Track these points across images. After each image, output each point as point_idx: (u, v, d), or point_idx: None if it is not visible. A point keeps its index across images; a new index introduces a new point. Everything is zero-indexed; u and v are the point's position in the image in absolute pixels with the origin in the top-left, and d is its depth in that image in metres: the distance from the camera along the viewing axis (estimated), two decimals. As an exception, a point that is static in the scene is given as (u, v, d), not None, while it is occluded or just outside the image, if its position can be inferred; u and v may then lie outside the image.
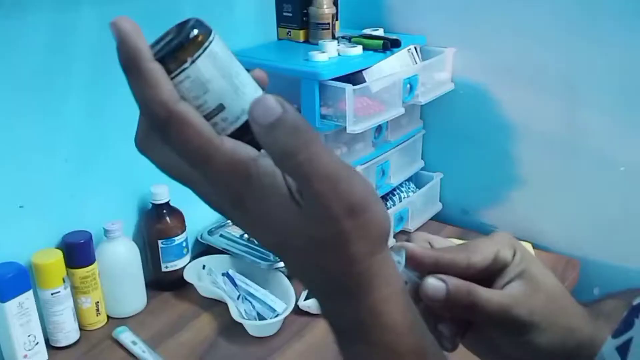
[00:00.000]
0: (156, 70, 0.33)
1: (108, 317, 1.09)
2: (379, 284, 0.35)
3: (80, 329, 1.05)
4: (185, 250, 1.18)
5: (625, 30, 1.13)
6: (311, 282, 0.37)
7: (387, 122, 1.26)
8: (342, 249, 0.34)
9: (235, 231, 1.28)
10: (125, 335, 1.04)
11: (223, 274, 1.16)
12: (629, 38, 1.13)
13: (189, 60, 0.35)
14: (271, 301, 1.08)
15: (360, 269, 0.35)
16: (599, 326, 0.47)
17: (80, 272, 1.03)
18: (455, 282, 0.44)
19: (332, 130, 1.17)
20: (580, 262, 1.27)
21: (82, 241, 1.02)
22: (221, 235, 1.27)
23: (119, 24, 0.33)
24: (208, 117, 0.36)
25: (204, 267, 1.19)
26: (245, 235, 1.25)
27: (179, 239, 1.16)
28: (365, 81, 1.18)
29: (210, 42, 0.35)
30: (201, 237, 1.27)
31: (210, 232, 1.28)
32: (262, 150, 0.35)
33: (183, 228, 1.17)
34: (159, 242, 1.15)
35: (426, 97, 1.27)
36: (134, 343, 1.02)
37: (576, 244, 1.29)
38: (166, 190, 1.14)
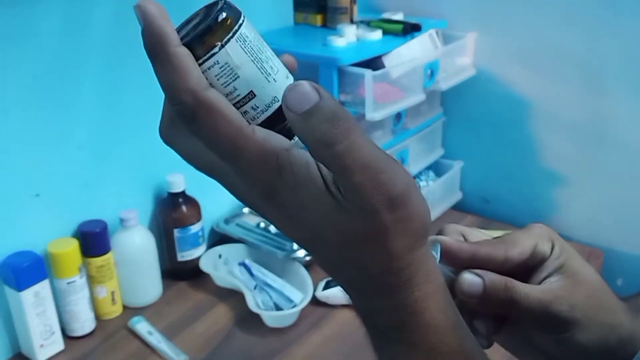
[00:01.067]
0: (184, 55, 0.31)
1: (124, 306, 1.08)
2: (420, 281, 0.33)
3: (96, 319, 1.04)
4: (201, 240, 1.17)
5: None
6: (346, 279, 0.35)
7: (406, 109, 1.23)
8: (382, 244, 0.32)
9: (251, 220, 1.26)
10: (141, 326, 1.03)
11: (239, 264, 1.14)
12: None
13: (218, 44, 0.32)
14: (288, 291, 1.06)
15: (400, 265, 0.33)
16: (639, 322, 0.45)
17: (96, 261, 1.01)
18: (492, 277, 0.42)
19: (351, 118, 1.14)
20: (603, 252, 1.24)
21: (98, 230, 1.01)
22: (237, 225, 1.26)
23: (143, 6, 0.31)
24: (238, 105, 0.33)
25: (220, 256, 1.18)
26: (262, 224, 1.24)
27: (194, 228, 1.15)
28: (384, 67, 1.15)
29: (240, 26, 0.33)
30: (217, 226, 1.25)
31: (226, 221, 1.27)
32: (295, 140, 0.33)
33: (199, 217, 1.16)
34: (175, 231, 1.13)
35: (447, 83, 1.24)
36: (150, 333, 1.01)
37: (599, 234, 1.26)
38: (182, 178, 1.12)
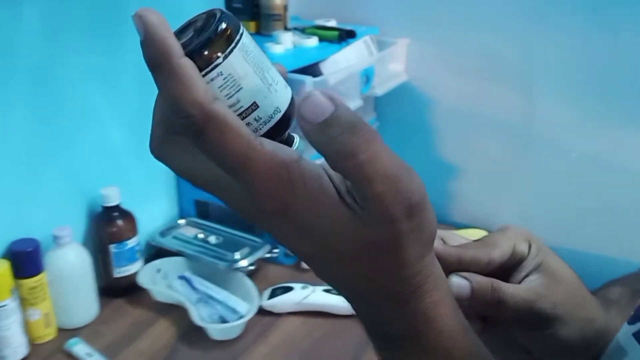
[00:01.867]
0: (189, 67, 0.30)
1: (58, 328, 1.03)
2: (430, 287, 0.33)
3: (29, 343, 0.98)
4: (138, 254, 1.13)
5: (580, 19, 1.14)
6: (354, 291, 0.34)
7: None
8: (396, 252, 0.32)
9: (188, 232, 1.23)
10: (79, 348, 0.98)
11: (179, 277, 1.11)
12: (584, 27, 1.14)
13: (221, 55, 0.31)
14: (233, 303, 1.05)
15: (411, 272, 0.33)
16: (611, 314, 0.47)
17: (28, 282, 0.96)
18: (479, 279, 0.43)
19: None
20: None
21: (30, 249, 0.96)
22: (174, 237, 1.23)
23: (144, 16, 0.29)
24: (241, 117, 0.32)
25: (158, 270, 1.14)
26: (201, 235, 1.21)
27: (131, 243, 1.11)
28: (322, 73, 1.15)
29: (241, 35, 0.32)
30: (153, 240, 1.22)
31: (162, 234, 1.23)
32: (298, 149, 0.33)
33: (135, 231, 1.12)
34: (111, 246, 1.09)
35: (382, 88, 1.26)
36: (89, 355, 0.96)
37: (531, 231, 1.30)
38: (117, 192, 1.08)
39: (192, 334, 1.02)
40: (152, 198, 1.26)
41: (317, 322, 1.05)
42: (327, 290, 1.07)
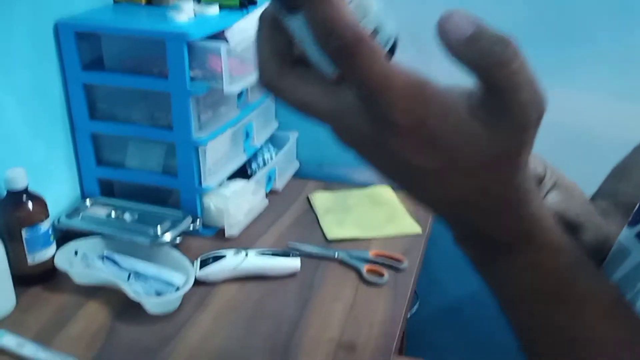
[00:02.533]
0: None
1: (-25, 324, 0.95)
2: (535, 190, 0.37)
3: (-53, 343, 0.89)
4: (52, 238, 1.06)
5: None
6: (466, 205, 0.36)
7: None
8: (516, 160, 0.34)
9: (98, 212, 1.18)
10: (8, 339, 0.91)
11: (101, 257, 1.07)
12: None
13: None
14: (167, 276, 1.03)
15: (522, 178, 0.35)
16: (609, 222, 0.53)
17: (-60, 276, 0.87)
18: None
19: (201, 95, 1.12)
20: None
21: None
22: (83, 218, 1.16)
23: None
24: None
25: (76, 253, 1.08)
26: (114, 214, 1.16)
27: (44, 226, 1.04)
28: (227, 40, 1.15)
29: None
30: (59, 223, 1.15)
31: (69, 216, 1.16)
32: None
33: (46, 214, 1.05)
34: (22, 231, 1.01)
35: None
36: (21, 345, 0.90)
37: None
38: (23, 173, 1.01)
39: (128, 311, 0.99)
40: (52, 179, 1.18)
41: (254, 286, 1.07)
42: (260, 254, 1.09)
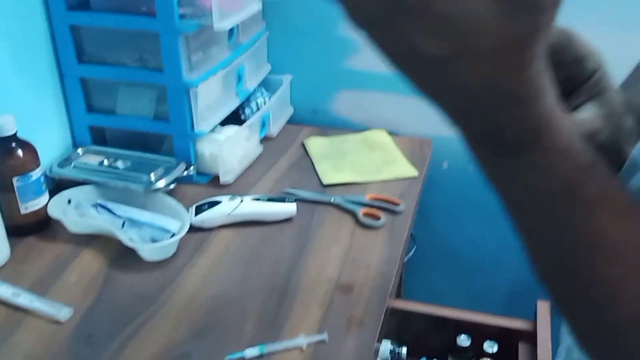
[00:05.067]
0: None
1: (-30, 274, 0.94)
2: (548, 88, 0.34)
3: (-58, 293, 0.89)
4: (44, 187, 1.05)
5: None
6: (475, 97, 0.34)
7: (237, 24, 1.20)
8: (529, 48, 0.32)
9: (91, 160, 1.16)
10: (2, 289, 0.90)
11: (94, 205, 1.05)
12: None
13: None
14: (162, 222, 1.01)
15: (534, 72, 0.33)
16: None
17: None
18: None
19: (191, 32, 1.09)
20: (432, 140, 1.38)
21: None
22: (75, 167, 1.14)
23: None
24: None
25: (69, 201, 1.07)
26: (106, 162, 1.14)
27: (36, 174, 1.02)
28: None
29: None
30: (51, 172, 1.13)
31: (60, 165, 1.14)
32: None
33: (38, 162, 1.03)
34: (14, 180, 1.00)
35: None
36: (17, 295, 0.89)
37: (427, 126, 1.38)
38: (12, 120, 0.98)
39: (124, 259, 0.98)
40: (42, 127, 1.16)
41: (250, 231, 1.06)
42: (256, 199, 1.08)
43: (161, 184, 1.08)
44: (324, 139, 1.35)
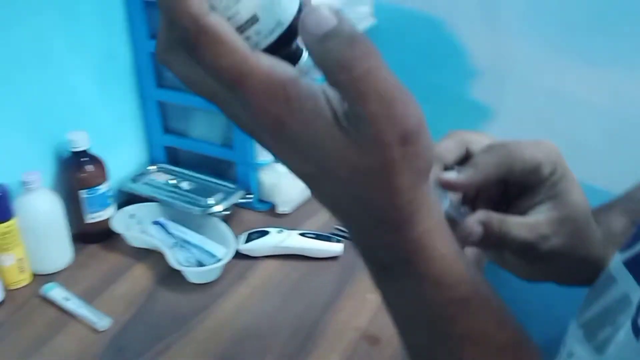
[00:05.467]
0: None
1: (33, 274, 1.02)
2: (423, 216, 0.33)
3: (4, 289, 0.97)
4: (110, 200, 1.11)
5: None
6: (349, 215, 0.34)
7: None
8: (388, 179, 0.31)
9: (160, 178, 1.22)
10: (56, 292, 0.97)
11: (154, 223, 1.10)
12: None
13: None
14: (210, 247, 1.05)
15: (404, 201, 0.32)
16: (609, 249, 0.47)
17: (-1, 228, 0.94)
18: (490, 219, 0.44)
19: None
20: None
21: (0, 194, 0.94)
22: (145, 183, 1.21)
23: None
24: (240, 30, 0.31)
25: (132, 216, 1.13)
26: (173, 181, 1.20)
27: (102, 188, 1.09)
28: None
29: None
30: (124, 186, 1.20)
31: (133, 180, 1.22)
32: (299, 67, 0.32)
33: (105, 177, 1.10)
34: (82, 192, 1.07)
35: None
36: (67, 299, 0.96)
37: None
38: (85, 136, 1.06)
39: (170, 277, 1.02)
40: (121, 144, 1.24)
41: (294, 265, 1.07)
42: (302, 234, 1.08)
43: (218, 208, 1.12)
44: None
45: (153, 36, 1.17)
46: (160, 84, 1.21)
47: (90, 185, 1.07)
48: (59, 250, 1.05)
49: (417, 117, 0.31)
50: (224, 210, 1.12)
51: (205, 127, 1.24)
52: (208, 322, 0.93)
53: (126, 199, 1.19)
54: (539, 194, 0.45)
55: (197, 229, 1.10)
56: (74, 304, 0.95)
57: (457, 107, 1.36)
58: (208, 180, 1.20)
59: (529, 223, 0.45)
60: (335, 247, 1.07)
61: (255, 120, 0.32)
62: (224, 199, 1.14)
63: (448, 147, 0.47)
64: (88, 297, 0.97)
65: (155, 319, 0.94)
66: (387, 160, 0.31)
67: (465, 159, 0.47)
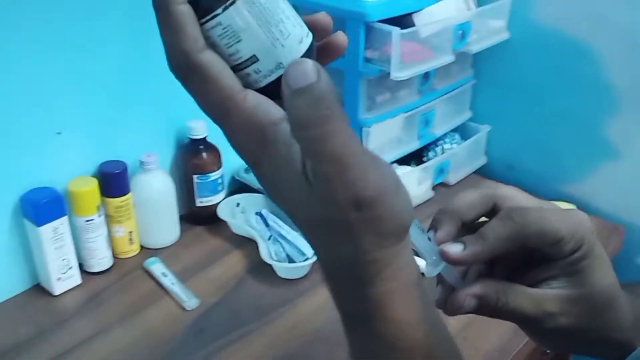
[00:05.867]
0: (184, 14, 0.31)
1: (141, 246, 1.11)
2: (387, 277, 0.33)
3: (114, 257, 1.07)
4: (220, 187, 1.18)
5: None
6: (319, 257, 0.36)
7: (434, 69, 1.20)
8: (350, 236, 0.32)
9: (271, 171, 1.27)
10: (156, 267, 1.05)
11: (256, 213, 1.15)
12: None
13: (221, 6, 0.32)
14: (301, 244, 1.07)
15: (368, 258, 0.33)
16: (637, 329, 0.43)
17: (115, 201, 1.03)
18: (485, 293, 0.41)
19: (376, 75, 1.12)
20: (625, 227, 1.21)
21: (118, 171, 1.03)
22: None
23: None
24: (240, 67, 0.33)
25: (237, 204, 1.19)
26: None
27: (214, 175, 1.16)
28: (414, 25, 1.13)
29: None
30: (237, 175, 1.26)
31: (247, 171, 1.27)
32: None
33: (219, 164, 1.16)
34: (195, 177, 1.15)
35: (478, 45, 1.20)
36: (164, 275, 1.03)
37: (623, 208, 1.23)
38: (204, 125, 1.13)
39: (260, 269, 1.06)
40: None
41: (381, 274, 1.06)
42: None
43: (316, 208, 1.14)
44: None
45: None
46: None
47: (203, 171, 1.14)
48: (167, 228, 1.13)
49: (376, 185, 0.31)
50: (322, 210, 1.13)
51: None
52: (286, 318, 0.96)
53: (237, 187, 1.26)
54: (556, 267, 0.41)
55: (293, 225, 1.12)
56: (169, 281, 1.02)
57: (582, 139, 1.26)
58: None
59: (535, 296, 0.41)
60: (420, 261, 1.04)
61: (237, 152, 0.33)
62: (325, 199, 1.16)
63: (471, 202, 0.44)
64: (184, 276, 1.04)
65: (238, 307, 0.99)
66: (345, 220, 0.31)
67: (491, 214, 0.44)
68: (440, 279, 0.43)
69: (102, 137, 1.04)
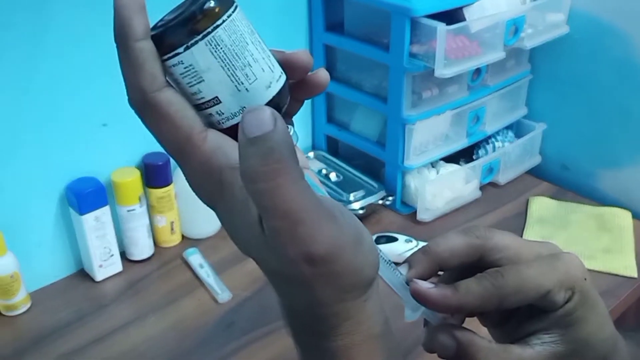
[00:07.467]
0: (142, 50, 0.31)
1: (183, 236, 1.13)
2: (345, 330, 0.32)
3: (155, 246, 1.10)
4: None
5: None
6: (280, 305, 0.35)
7: (486, 65, 1.16)
8: (306, 290, 0.31)
9: (313, 166, 1.26)
10: (194, 257, 1.07)
11: (296, 208, 1.15)
12: None
13: (183, 45, 0.31)
14: (337, 242, 1.07)
15: (326, 312, 0.32)
16: None
17: (157, 192, 1.06)
18: (465, 340, 0.39)
19: (422, 71, 1.09)
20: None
21: (161, 163, 1.05)
22: (302, 167, 1.26)
23: None
24: (202, 107, 0.32)
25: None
26: (324, 172, 1.24)
27: (256, 169, 1.16)
28: (465, 19, 1.08)
29: (216, 28, 0.31)
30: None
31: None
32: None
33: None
34: (237, 169, 1.16)
35: (533, 40, 1.15)
36: (201, 266, 1.06)
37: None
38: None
39: (296, 264, 1.06)
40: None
41: (416, 276, 1.04)
42: (430, 247, 1.05)
43: (355, 205, 1.13)
44: (553, 201, 1.22)
45: (328, 28, 1.20)
46: (331, 74, 1.24)
47: (244, 164, 1.15)
48: (207, 219, 1.15)
49: (330, 240, 0.30)
50: (360, 208, 1.12)
51: (365, 123, 1.25)
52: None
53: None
54: (547, 319, 0.38)
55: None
56: (204, 272, 1.04)
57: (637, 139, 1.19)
58: (356, 176, 1.22)
59: (529, 354, 0.38)
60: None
61: (194, 192, 0.34)
62: (364, 196, 1.15)
63: (454, 248, 0.40)
64: (220, 268, 1.06)
65: (268, 303, 1.00)
66: (297, 274, 0.30)
67: (477, 268, 0.40)
68: (426, 320, 0.42)
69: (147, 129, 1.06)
